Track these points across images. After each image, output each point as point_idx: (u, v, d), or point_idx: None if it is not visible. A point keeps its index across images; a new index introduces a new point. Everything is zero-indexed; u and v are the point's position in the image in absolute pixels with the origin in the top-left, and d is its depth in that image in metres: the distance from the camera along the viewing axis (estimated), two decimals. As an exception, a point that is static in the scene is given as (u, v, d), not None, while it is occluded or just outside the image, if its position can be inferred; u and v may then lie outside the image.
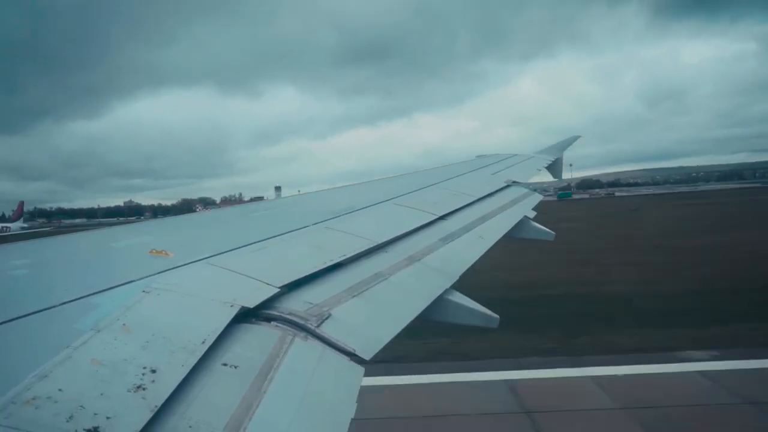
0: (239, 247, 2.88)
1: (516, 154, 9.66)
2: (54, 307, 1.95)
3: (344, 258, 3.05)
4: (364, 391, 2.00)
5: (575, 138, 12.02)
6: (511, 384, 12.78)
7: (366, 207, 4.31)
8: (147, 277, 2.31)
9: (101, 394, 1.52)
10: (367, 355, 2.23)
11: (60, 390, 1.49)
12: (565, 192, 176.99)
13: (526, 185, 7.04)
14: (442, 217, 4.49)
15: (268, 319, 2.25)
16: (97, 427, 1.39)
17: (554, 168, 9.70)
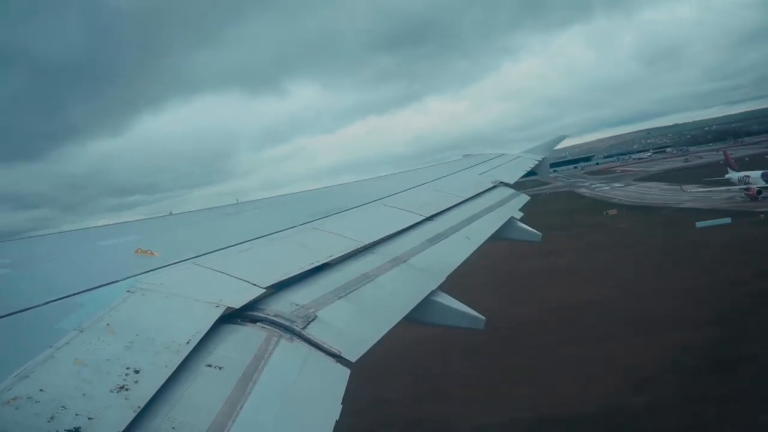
0: (225, 248, 2.87)
1: (503, 154, 9.72)
2: (37, 306, 1.94)
3: (331, 259, 3.05)
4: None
5: (561, 138, 12.18)
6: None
7: (354, 207, 4.31)
8: (132, 276, 2.30)
9: (83, 395, 1.51)
10: (353, 357, 2.23)
11: (41, 390, 1.48)
12: None
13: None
14: (430, 218, 4.50)
15: (254, 320, 2.24)
16: (79, 428, 1.39)
17: (541, 167, 9.81)
